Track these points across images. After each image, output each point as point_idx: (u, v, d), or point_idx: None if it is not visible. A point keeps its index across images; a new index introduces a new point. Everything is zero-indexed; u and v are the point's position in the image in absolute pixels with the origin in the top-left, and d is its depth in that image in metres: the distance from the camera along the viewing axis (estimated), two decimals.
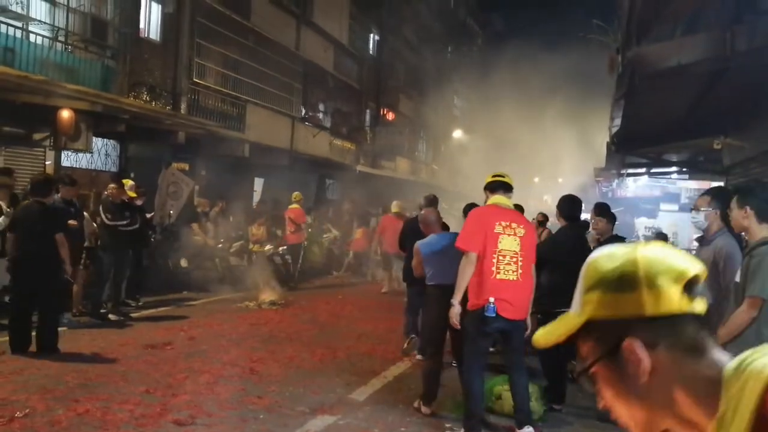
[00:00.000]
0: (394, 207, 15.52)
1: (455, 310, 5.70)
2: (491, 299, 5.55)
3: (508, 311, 5.63)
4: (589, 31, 20.09)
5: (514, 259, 5.71)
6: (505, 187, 6.01)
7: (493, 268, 5.63)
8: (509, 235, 5.73)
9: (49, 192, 8.39)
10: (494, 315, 5.58)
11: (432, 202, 9.56)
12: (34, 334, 7.96)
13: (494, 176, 6.08)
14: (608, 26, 17.71)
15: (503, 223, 5.74)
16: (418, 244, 6.76)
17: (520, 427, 5.86)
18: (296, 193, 16.62)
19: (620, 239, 8.14)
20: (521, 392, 5.91)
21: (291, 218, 15.97)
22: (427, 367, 6.61)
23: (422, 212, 7.39)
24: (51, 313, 8.14)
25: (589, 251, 7.16)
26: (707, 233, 5.42)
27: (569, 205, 7.17)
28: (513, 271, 5.69)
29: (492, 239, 5.67)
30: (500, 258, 5.65)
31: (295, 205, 16.16)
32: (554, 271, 6.74)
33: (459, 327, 5.74)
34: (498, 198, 5.95)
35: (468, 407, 5.84)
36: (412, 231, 8.54)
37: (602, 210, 7.46)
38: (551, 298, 5.95)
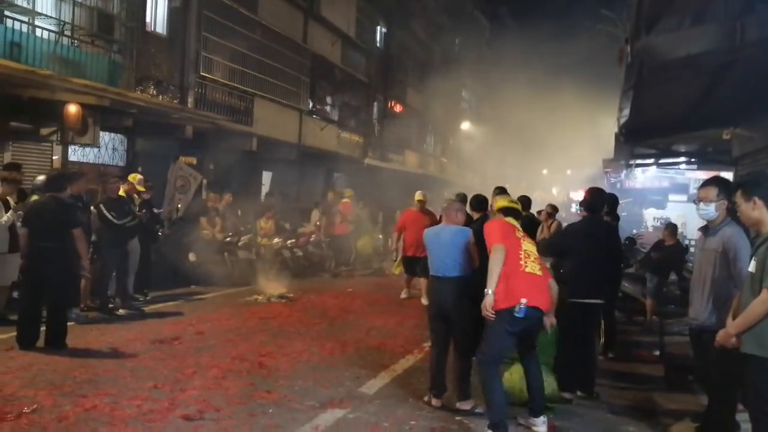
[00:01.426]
0: (418, 195, 13.34)
1: (489, 300, 5.60)
2: (523, 300, 5.57)
3: (540, 303, 5.71)
4: (597, 22, 20.00)
5: (538, 260, 5.94)
6: (515, 214, 6.45)
7: (521, 262, 5.77)
8: (528, 242, 6.07)
9: (64, 187, 8.43)
10: (524, 316, 5.60)
11: (462, 199, 9.52)
12: (42, 329, 7.99)
13: (510, 204, 6.54)
14: (616, 17, 17.60)
15: (520, 233, 6.07)
16: (426, 230, 6.78)
17: (536, 417, 5.86)
18: (348, 189, 19.21)
19: None
20: (536, 383, 5.95)
21: (341, 211, 18.03)
22: (431, 356, 6.62)
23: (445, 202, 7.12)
24: (59, 308, 8.15)
25: (609, 241, 7.21)
26: (712, 223, 5.44)
27: (593, 197, 7.37)
28: (538, 268, 5.86)
29: (515, 241, 5.89)
30: (526, 255, 5.84)
31: (346, 200, 18.45)
32: (574, 261, 6.80)
33: (493, 318, 5.62)
34: (511, 219, 6.27)
35: (489, 416, 5.73)
36: None
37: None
38: (573, 288, 5.97)
